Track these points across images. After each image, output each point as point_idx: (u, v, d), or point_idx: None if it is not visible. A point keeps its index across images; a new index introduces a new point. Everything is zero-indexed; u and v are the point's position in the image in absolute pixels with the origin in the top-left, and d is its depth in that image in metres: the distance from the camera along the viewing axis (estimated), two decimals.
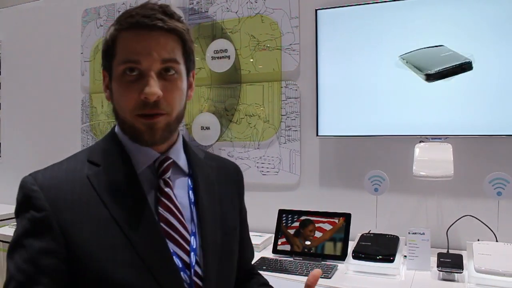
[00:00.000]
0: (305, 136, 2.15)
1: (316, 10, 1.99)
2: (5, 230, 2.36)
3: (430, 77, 1.77)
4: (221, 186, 0.94)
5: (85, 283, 0.74)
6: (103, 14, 2.71)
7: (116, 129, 0.86)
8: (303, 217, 1.89)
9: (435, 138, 1.81)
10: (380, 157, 1.99)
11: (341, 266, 1.68)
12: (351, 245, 1.74)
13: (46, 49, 2.93)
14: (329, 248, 1.78)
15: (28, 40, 3.02)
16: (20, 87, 3.06)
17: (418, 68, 1.79)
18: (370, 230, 1.83)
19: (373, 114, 1.90)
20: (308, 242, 1.82)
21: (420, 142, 1.82)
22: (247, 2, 2.27)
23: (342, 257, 1.73)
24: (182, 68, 0.82)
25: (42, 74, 2.95)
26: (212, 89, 2.36)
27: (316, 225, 1.85)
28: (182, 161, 0.89)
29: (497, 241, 1.64)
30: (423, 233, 1.62)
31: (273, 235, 1.91)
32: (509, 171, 1.67)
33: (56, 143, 2.85)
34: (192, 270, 0.80)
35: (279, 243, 1.86)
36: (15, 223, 0.77)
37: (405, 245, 1.68)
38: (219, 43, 2.32)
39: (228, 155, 2.30)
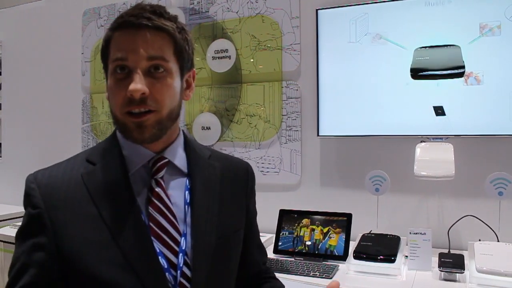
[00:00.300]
0: (306, 136, 2.15)
1: (316, 10, 1.99)
2: (5, 230, 2.33)
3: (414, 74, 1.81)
4: (224, 187, 0.92)
5: (73, 280, 0.77)
6: (103, 14, 2.71)
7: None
8: (304, 217, 1.89)
9: (436, 138, 1.80)
10: (381, 157, 1.98)
11: (342, 266, 1.67)
12: (352, 245, 1.74)
13: (46, 50, 2.93)
14: (330, 248, 1.78)
15: (29, 41, 3.02)
16: (20, 87, 3.06)
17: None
18: (371, 230, 1.83)
19: (374, 114, 1.90)
20: (309, 242, 1.82)
21: (421, 142, 1.82)
22: (247, 2, 2.27)
23: (343, 257, 1.73)
24: (172, 66, 0.81)
25: (42, 74, 2.95)
26: (213, 89, 2.36)
27: (317, 225, 1.85)
28: (180, 161, 0.88)
29: (498, 241, 1.64)
30: (424, 233, 1.61)
31: (274, 235, 1.91)
32: (510, 171, 1.66)
33: (56, 143, 2.85)
34: (179, 271, 0.79)
35: (280, 243, 1.87)
36: (17, 223, 0.80)
37: (406, 245, 1.68)
38: (220, 43, 2.32)
39: None
